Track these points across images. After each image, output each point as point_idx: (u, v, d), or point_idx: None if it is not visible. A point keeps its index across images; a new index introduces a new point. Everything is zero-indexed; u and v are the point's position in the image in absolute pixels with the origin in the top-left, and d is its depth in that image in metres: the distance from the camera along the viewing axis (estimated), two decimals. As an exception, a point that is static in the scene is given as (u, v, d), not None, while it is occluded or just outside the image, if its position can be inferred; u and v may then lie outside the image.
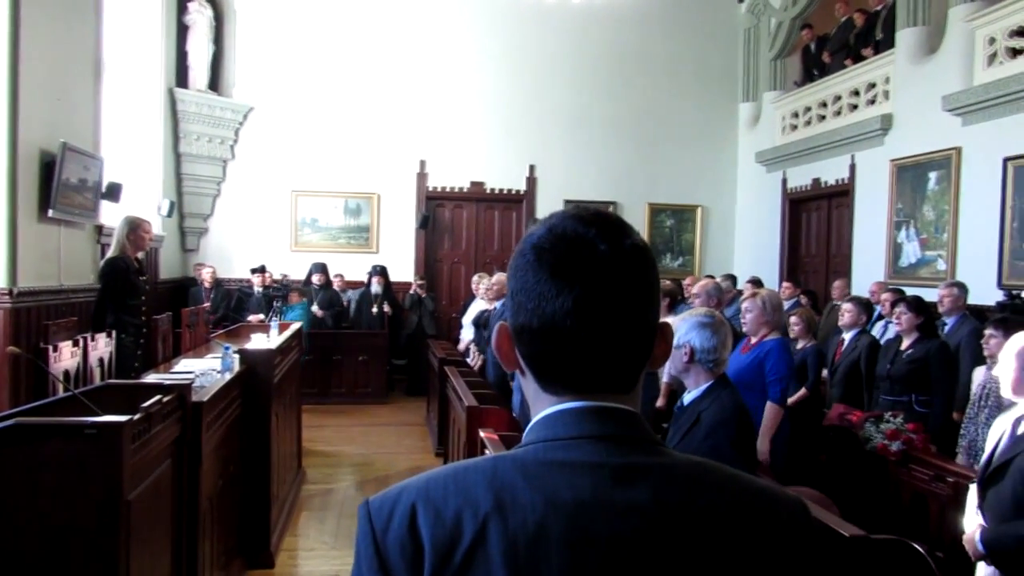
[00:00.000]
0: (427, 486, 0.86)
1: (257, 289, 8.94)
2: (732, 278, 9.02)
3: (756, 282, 8.12)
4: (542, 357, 0.89)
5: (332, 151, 10.33)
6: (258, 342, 5.18)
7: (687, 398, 2.74)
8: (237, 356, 4.40)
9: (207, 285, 8.94)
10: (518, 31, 10.62)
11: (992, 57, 6.99)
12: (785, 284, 8.33)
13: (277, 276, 9.21)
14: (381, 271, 9.66)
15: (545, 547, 0.80)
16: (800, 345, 5.49)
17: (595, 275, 0.86)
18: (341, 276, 9.79)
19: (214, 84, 9.83)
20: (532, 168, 10.82)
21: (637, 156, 10.92)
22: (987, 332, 4.04)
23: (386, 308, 9.48)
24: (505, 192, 10.80)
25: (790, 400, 5.11)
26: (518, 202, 10.89)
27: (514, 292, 0.91)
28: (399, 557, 0.83)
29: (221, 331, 6.41)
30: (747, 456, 2.61)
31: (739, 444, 2.54)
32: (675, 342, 2.68)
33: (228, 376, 4.12)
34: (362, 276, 9.84)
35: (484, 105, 10.59)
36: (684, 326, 2.72)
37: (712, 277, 8.93)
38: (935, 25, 7.83)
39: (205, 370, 4.31)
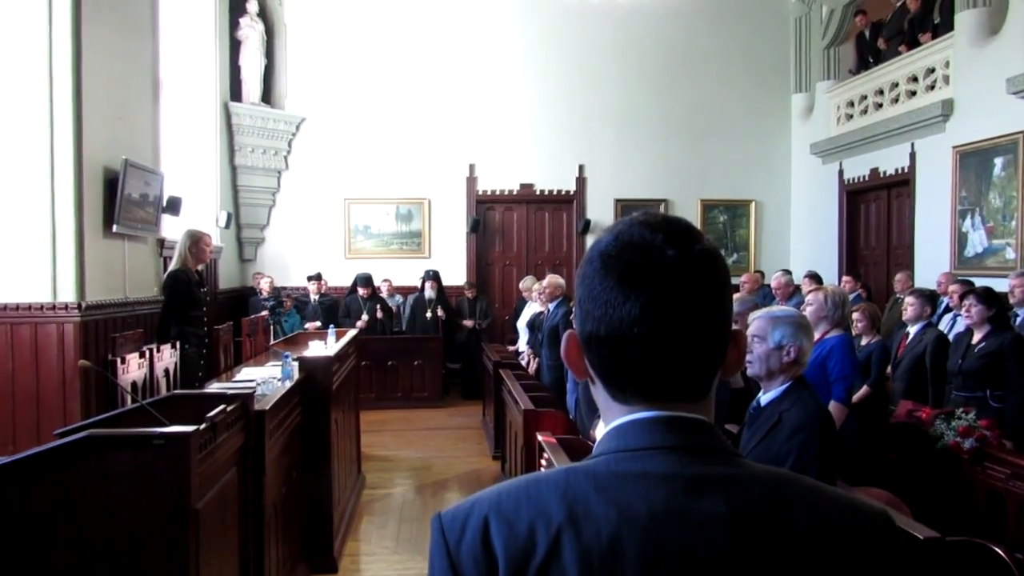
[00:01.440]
0: (499, 499, 0.86)
1: (313, 297, 9.09)
2: (788, 273, 8.82)
3: (814, 276, 7.93)
4: (611, 366, 0.88)
5: (382, 158, 10.45)
6: (316, 349, 5.27)
7: (764, 399, 2.68)
8: (296, 364, 4.48)
9: (265, 294, 9.12)
10: (563, 30, 10.59)
11: (1060, 36, 6.71)
12: (846, 278, 8.13)
13: (277, 284, 9.40)
14: (434, 276, 9.72)
15: (620, 560, 0.78)
16: (864, 341, 5.34)
17: (663, 281, 0.84)
18: (389, 281, 9.88)
19: (267, 97, 10.04)
20: (581, 168, 10.77)
21: (687, 152, 10.78)
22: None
23: (440, 312, 9.54)
24: (555, 193, 10.77)
25: (854, 398, 4.99)
26: (568, 203, 10.85)
27: (581, 300, 0.90)
28: (473, 570, 0.82)
29: (280, 340, 6.53)
30: (831, 458, 2.54)
31: (824, 446, 2.47)
32: (773, 343, 2.60)
33: (288, 384, 4.19)
34: (415, 281, 9.92)
35: (531, 106, 10.59)
36: (785, 327, 2.63)
37: (761, 273, 8.78)
38: (996, 5, 7.55)
39: (266, 378, 4.39)
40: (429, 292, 9.61)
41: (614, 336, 0.86)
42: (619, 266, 0.86)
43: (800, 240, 10.95)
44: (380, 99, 10.39)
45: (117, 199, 5.42)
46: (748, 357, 2.62)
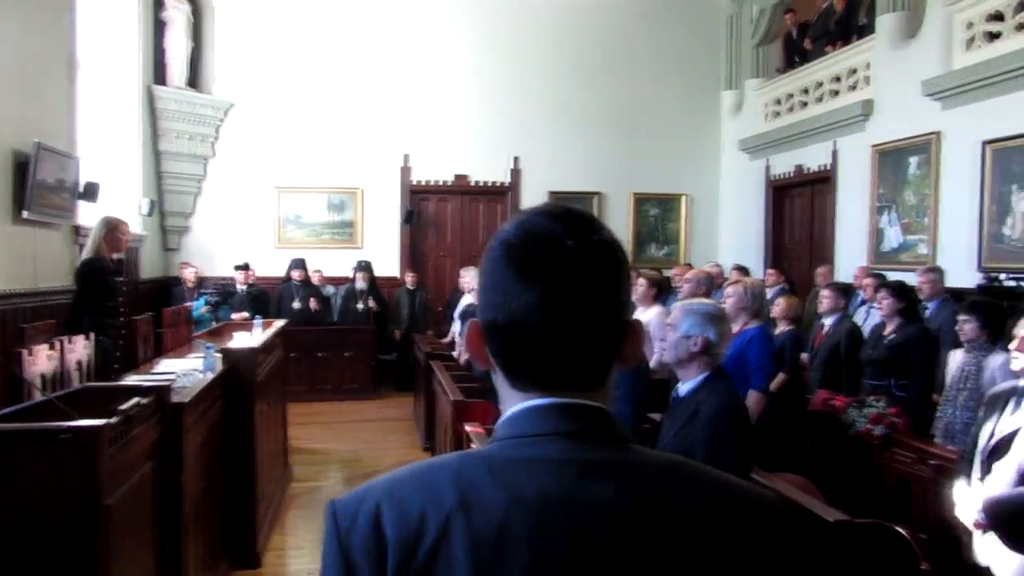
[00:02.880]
0: (392, 485, 0.86)
1: (241, 287, 8.89)
2: (717, 267, 9.03)
3: (741, 270, 8.14)
4: (510, 353, 0.89)
5: (314, 147, 10.26)
6: (241, 340, 5.15)
7: (683, 389, 2.74)
8: (219, 355, 4.38)
9: (190, 284, 8.87)
10: (500, 23, 10.57)
11: (970, 41, 7.02)
12: (769, 272, 8.36)
13: (203, 275, 9.19)
14: (366, 267, 9.62)
15: (508, 544, 0.79)
16: (779, 330, 5.51)
17: (561, 271, 0.85)
18: (320, 272, 9.73)
19: (193, 81, 9.72)
20: (516, 160, 10.79)
21: (621, 146, 10.90)
22: (961, 317, 4.06)
23: (371, 304, 9.44)
24: (490, 185, 10.76)
25: (772, 386, 5.15)
26: (502, 194, 10.86)
27: (483, 288, 0.91)
28: (363, 557, 0.83)
29: (204, 331, 6.37)
30: (745, 445, 2.61)
31: (738, 435, 2.54)
32: (682, 331, 2.67)
33: (210, 376, 4.09)
34: (347, 272, 9.79)
35: (467, 98, 10.55)
36: (693, 317, 2.69)
37: (689, 265, 8.97)
38: (914, 10, 7.85)
39: (187, 370, 4.28)
40: (361, 283, 9.50)
41: (513, 324, 0.87)
42: (519, 255, 0.87)
43: (729, 234, 11.21)
44: (312, 86, 10.19)
45: (28, 184, 5.18)
46: (663, 344, 2.68)
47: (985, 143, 6.75)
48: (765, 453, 4.26)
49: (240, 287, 8.90)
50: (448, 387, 5.21)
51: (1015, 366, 2.75)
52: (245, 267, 9.03)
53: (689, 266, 9.60)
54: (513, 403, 0.90)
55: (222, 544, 4.16)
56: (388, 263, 10.37)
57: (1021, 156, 6.43)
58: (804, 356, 5.74)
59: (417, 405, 7.86)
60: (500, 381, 0.93)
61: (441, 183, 10.68)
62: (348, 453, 6.79)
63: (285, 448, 6.07)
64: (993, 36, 6.78)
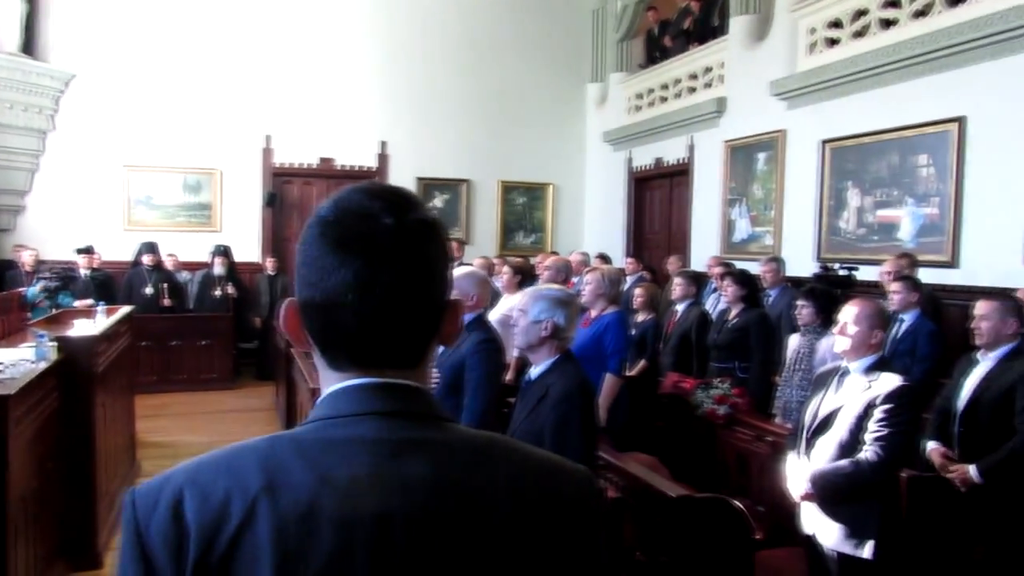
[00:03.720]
0: (197, 470, 0.83)
1: (84, 272, 8.29)
2: (583, 255, 9.26)
3: (603, 258, 8.38)
4: (326, 332, 0.88)
5: (168, 124, 9.69)
6: (81, 328, 4.82)
7: (534, 372, 2.80)
8: (54, 344, 4.07)
9: (28, 268, 8.19)
10: (369, 5, 10.36)
11: (813, 46, 7.51)
12: (628, 260, 8.66)
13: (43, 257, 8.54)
14: (224, 251, 9.21)
15: (316, 526, 0.78)
16: (641, 318, 5.74)
17: (377, 248, 0.85)
18: (175, 256, 9.23)
19: (28, 47, 8.95)
20: (383, 145, 10.63)
21: (489, 134, 10.96)
22: (798, 303, 4.38)
23: (230, 290, 9.06)
24: (356, 169, 10.55)
25: (633, 371, 5.36)
26: (369, 179, 10.66)
27: (299, 266, 0.89)
28: (161, 546, 0.79)
29: (41, 318, 5.89)
30: (591, 426, 2.69)
31: (585, 416, 2.62)
32: (532, 317, 2.72)
33: (43, 366, 3.80)
34: (204, 257, 9.34)
35: (333, 79, 10.27)
36: (543, 302, 2.75)
37: (556, 253, 9.15)
38: (764, 13, 8.31)
39: (16, 360, 3.95)
40: (219, 268, 9.09)
41: (328, 302, 0.85)
42: (335, 232, 0.86)
43: (593, 223, 11.52)
44: (165, 58, 9.60)
45: None
46: (514, 330, 2.73)
47: (824, 142, 7.27)
48: (621, 434, 4.43)
49: (83, 272, 8.29)
50: (307, 375, 5.09)
51: (837, 348, 2.98)
52: (88, 250, 8.42)
53: (555, 254, 9.80)
54: (331, 383, 0.89)
55: (59, 545, 3.89)
56: (248, 248, 9.98)
57: (855, 155, 6.97)
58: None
59: (279, 394, 7.63)
60: (318, 361, 0.92)
61: (305, 166, 10.37)
62: (203, 446, 6.43)
63: (132, 442, 5.75)
64: (833, 42, 7.29)
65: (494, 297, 5.72)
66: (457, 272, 3.75)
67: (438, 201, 10.88)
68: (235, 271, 9.34)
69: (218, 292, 8.99)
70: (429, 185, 10.78)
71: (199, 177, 9.95)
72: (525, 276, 6.39)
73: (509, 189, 11.23)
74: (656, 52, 10.27)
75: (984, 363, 3.54)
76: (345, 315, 0.85)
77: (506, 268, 5.52)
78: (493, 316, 4.91)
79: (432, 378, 3.62)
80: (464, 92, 10.80)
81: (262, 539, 0.77)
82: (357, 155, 10.52)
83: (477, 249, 9.92)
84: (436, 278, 0.89)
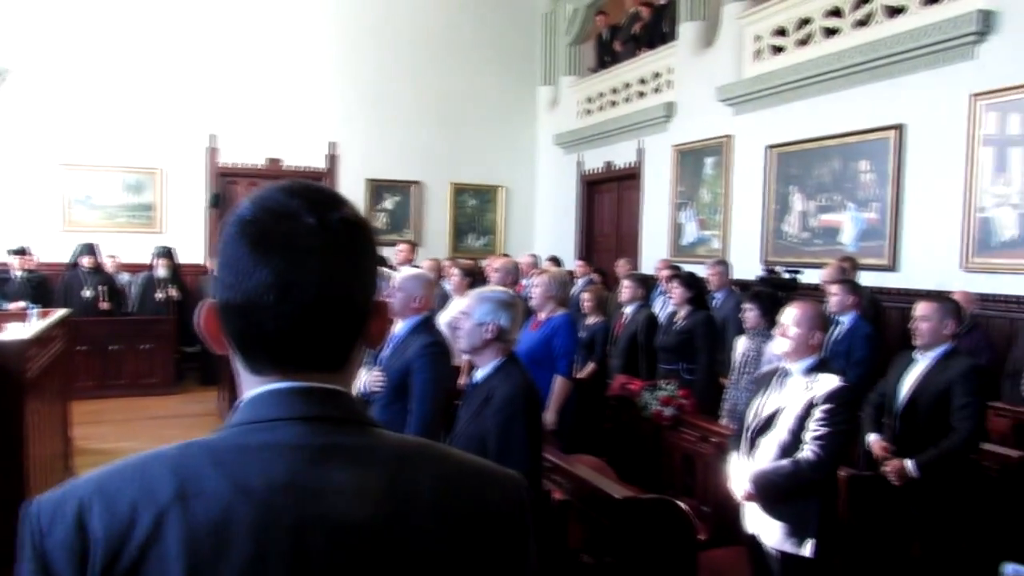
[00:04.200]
0: (103, 480, 0.80)
1: (17, 273, 8.00)
2: (532, 257, 9.27)
3: (554, 261, 8.40)
4: (244, 335, 0.85)
5: (107, 121, 9.42)
6: (12, 332, 4.63)
7: (479, 375, 2.77)
8: (-20, 349, 3.90)
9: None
10: (317, 4, 10.22)
11: (758, 53, 7.65)
12: (578, 263, 8.70)
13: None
14: (167, 253, 8.97)
15: (229, 536, 0.75)
16: (590, 321, 5.75)
17: (297, 248, 0.82)
18: (115, 257, 8.97)
19: (-42, 40, 8.62)
20: (333, 145, 10.50)
21: (441, 136, 10.90)
22: (744, 306, 4.45)
23: (173, 292, 8.83)
24: (304, 170, 10.38)
25: (582, 374, 5.37)
26: (318, 180, 10.46)
27: (218, 267, 0.86)
28: (64, 559, 0.75)
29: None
30: (535, 430, 2.68)
31: (528, 419, 2.61)
32: (475, 319, 2.70)
33: (-33, 372, 3.64)
34: (146, 258, 9.10)
35: (281, 77, 10.11)
36: (487, 305, 2.73)
37: (507, 256, 9.14)
38: (712, 20, 8.43)
39: (-61, 366, 3.78)
40: (162, 270, 8.85)
41: (247, 304, 0.83)
42: (254, 231, 0.83)
43: (544, 225, 11.54)
44: (105, 52, 9.32)
45: None
46: (458, 333, 2.70)
47: (769, 147, 7.40)
48: (569, 436, 4.43)
49: (16, 273, 8.00)
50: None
51: (778, 349, 3.02)
52: (22, 251, 8.13)
53: (506, 256, 9.80)
54: (250, 388, 0.86)
55: (-16, 559, 3.72)
56: (192, 249, 9.74)
57: (799, 160, 7.11)
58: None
59: (222, 399, 7.46)
60: (238, 366, 0.88)
61: (252, 167, 10.18)
62: (142, 452, 6.30)
63: (68, 450, 5.55)
64: (778, 49, 7.43)
65: (444, 300, 5.68)
66: (402, 274, 3.70)
67: (388, 203, 10.79)
68: (179, 273, 9.11)
69: (160, 295, 8.76)
70: (379, 186, 10.69)
71: (140, 177, 9.69)
72: (475, 278, 6.37)
73: (460, 191, 11.19)
74: (606, 56, 10.35)
75: (922, 362, 3.63)
76: (264, 317, 0.82)
77: (455, 270, 5.49)
78: (443, 319, 4.90)
79: (378, 383, 3.58)
80: (416, 93, 10.73)
81: (171, 550, 0.74)
82: (306, 156, 10.37)
83: (428, 251, 9.85)
84: (360, 278, 0.87)
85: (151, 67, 9.53)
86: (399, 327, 3.56)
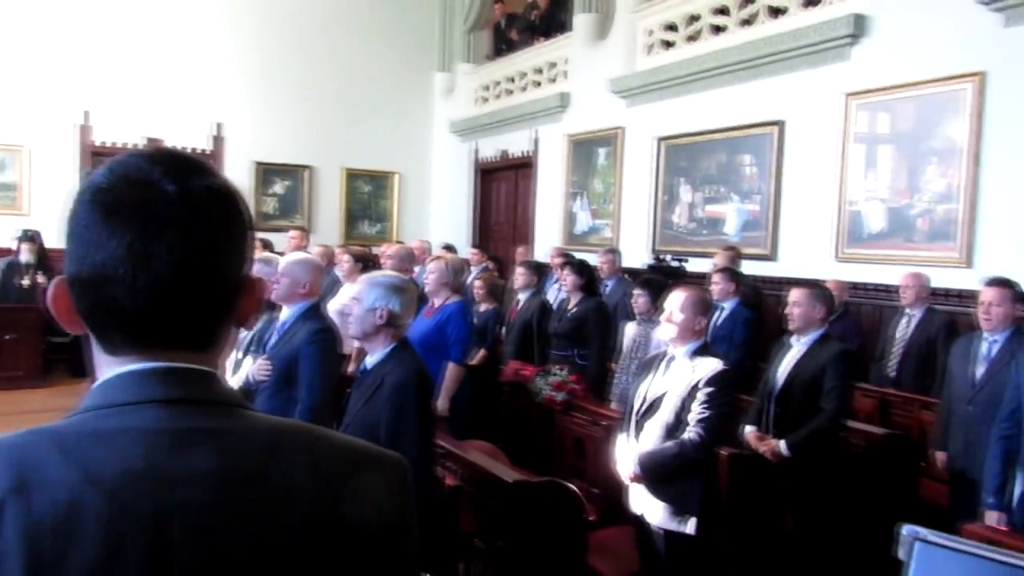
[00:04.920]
0: None
1: None
2: (426, 243, 9.19)
3: (449, 248, 8.36)
4: (98, 312, 0.78)
5: (-36, 93, 8.70)
6: None
7: (370, 361, 2.72)
8: None
9: None
10: (200, -25, 9.75)
11: (649, 47, 7.84)
12: (472, 251, 8.69)
13: None
14: (32, 236, 8.37)
15: (77, 527, 0.69)
16: (483, 308, 5.76)
17: (154, 217, 0.76)
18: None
19: None
20: (219, 126, 10.05)
21: (334, 120, 10.60)
22: (634, 292, 4.56)
23: (40, 278, 8.25)
24: (188, 151, 9.89)
25: (474, 361, 5.37)
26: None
27: (67, 239, 0.79)
28: None
29: None
30: (427, 416, 2.65)
31: (420, 405, 2.58)
32: (366, 305, 2.64)
33: None
34: (9, 243, 8.46)
35: (162, 52, 9.57)
36: (378, 290, 2.68)
37: (401, 243, 9.04)
38: (605, 12, 8.57)
39: None
40: (27, 255, 8.24)
41: (99, 277, 0.76)
42: (108, 200, 0.77)
43: (439, 213, 11.46)
44: (-39, 21, 8.60)
45: None
46: (349, 319, 2.65)
47: (659, 139, 7.60)
48: (462, 423, 4.43)
49: None
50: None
51: (663, 335, 3.11)
52: None
53: (400, 243, 9.68)
54: (108, 370, 0.80)
55: None
56: (61, 233, 9.11)
57: (687, 153, 7.34)
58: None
59: (96, 391, 7.05)
60: (94, 346, 0.81)
61: (130, 146, 9.60)
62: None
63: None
64: (669, 44, 7.63)
65: (334, 286, 5.55)
66: (288, 259, 3.59)
67: (279, 187, 10.45)
68: (46, 258, 8.51)
69: (26, 281, 8.16)
70: (268, 170, 10.33)
71: (1, 154, 8.99)
72: (367, 265, 6.25)
73: (354, 177, 10.95)
74: (503, 45, 10.36)
75: (797, 347, 3.81)
76: (118, 292, 0.76)
77: (346, 256, 5.37)
78: (333, 306, 4.80)
79: (265, 371, 3.46)
80: (308, 75, 10.40)
81: (9, 544, 0.68)
82: (189, 136, 9.86)
83: (320, 238, 9.60)
84: (226, 251, 0.81)
85: (16, 38, 8.84)
86: (286, 313, 3.46)
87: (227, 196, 0.82)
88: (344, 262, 5.36)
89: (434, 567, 3.06)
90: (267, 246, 6.61)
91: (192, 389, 0.78)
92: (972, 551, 1.38)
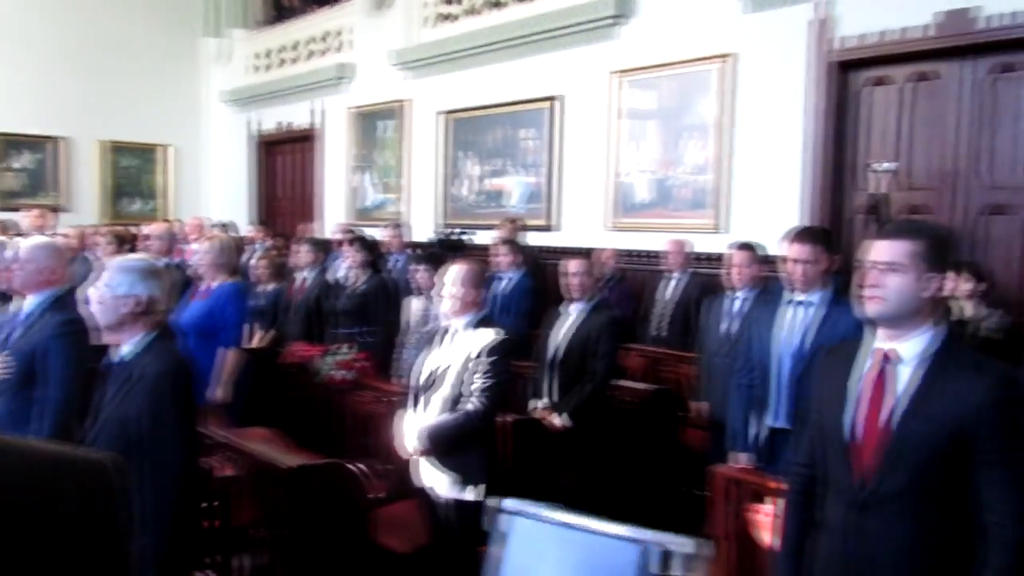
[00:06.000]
0: None
1: None
2: (199, 220, 8.61)
3: (224, 226, 7.89)
4: None
5: None
6: None
7: (125, 352, 2.48)
8: None
9: None
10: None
11: (428, 19, 7.80)
12: (255, 228, 8.28)
13: None
14: None
15: None
16: (266, 288, 5.51)
17: None
18: None
19: None
20: (-56, 91, 8.76)
21: (88, 87, 9.57)
22: (413, 267, 4.56)
23: None
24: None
25: (257, 343, 5.13)
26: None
27: None
28: None
29: None
30: (189, 407, 2.48)
31: (180, 397, 2.41)
32: (118, 292, 2.40)
33: None
34: None
35: None
36: (128, 276, 2.44)
37: (180, 221, 8.44)
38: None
39: None
40: None
41: None
42: None
43: (217, 188, 10.77)
44: None
45: None
46: (99, 309, 2.42)
47: (444, 113, 7.62)
48: (244, 409, 4.22)
49: None
50: None
51: (442, 308, 3.13)
52: None
53: (167, 221, 9.02)
54: None
55: None
56: None
57: (470, 126, 7.43)
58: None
59: None
60: None
61: None
62: None
63: None
64: (448, 17, 7.63)
65: (88, 271, 5.05)
66: (30, 242, 3.20)
67: (26, 161, 9.31)
68: None
69: None
70: (11, 142, 9.16)
71: None
72: (134, 246, 5.76)
73: (116, 150, 9.99)
74: (280, 10, 9.86)
75: (573, 315, 4.01)
76: None
77: (103, 238, 4.90)
78: (91, 293, 4.31)
79: (5, 368, 3.09)
80: (55, 38, 9.31)
81: None
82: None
83: (78, 217, 8.70)
84: None
85: None
86: (28, 303, 3.09)
87: None
88: (101, 244, 4.89)
89: (207, 563, 2.91)
90: (5, 228, 5.87)
91: None
92: (554, 521, 1.56)
